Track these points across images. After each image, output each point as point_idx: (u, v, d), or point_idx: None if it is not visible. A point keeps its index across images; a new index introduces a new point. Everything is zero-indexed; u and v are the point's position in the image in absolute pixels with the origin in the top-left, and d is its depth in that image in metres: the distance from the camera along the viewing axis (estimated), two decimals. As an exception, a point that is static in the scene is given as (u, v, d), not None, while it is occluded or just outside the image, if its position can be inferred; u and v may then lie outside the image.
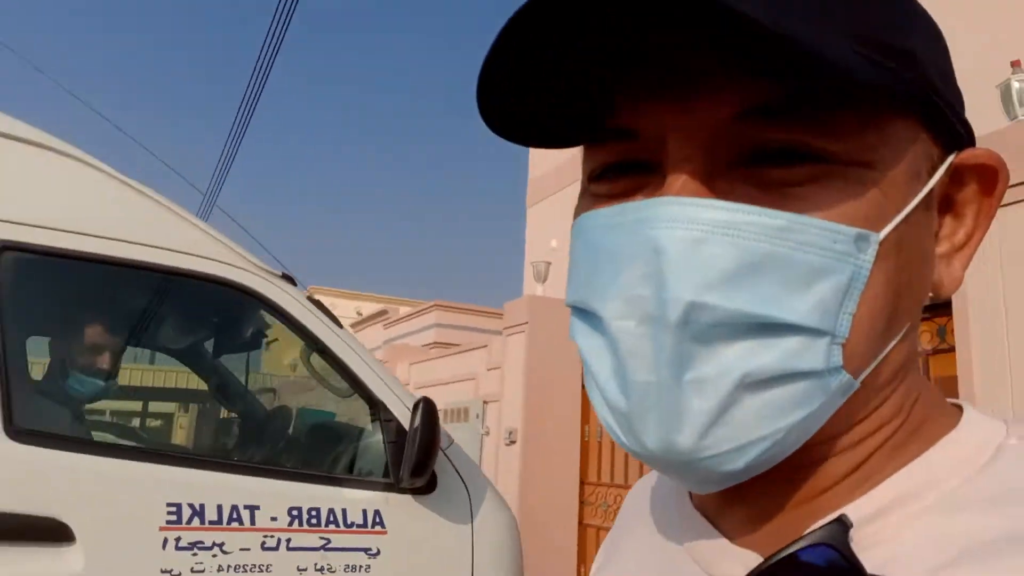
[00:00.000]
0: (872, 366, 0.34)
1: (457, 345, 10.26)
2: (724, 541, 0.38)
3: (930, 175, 0.35)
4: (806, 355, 0.32)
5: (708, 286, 0.32)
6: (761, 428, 0.33)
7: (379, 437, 2.12)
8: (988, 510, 0.32)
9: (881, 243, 0.33)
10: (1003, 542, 0.31)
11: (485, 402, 7.74)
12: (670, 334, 0.32)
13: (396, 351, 10.88)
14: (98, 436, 2.13)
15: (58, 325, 2.14)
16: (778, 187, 0.33)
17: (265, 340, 2.45)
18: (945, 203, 0.38)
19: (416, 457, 1.93)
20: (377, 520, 2.00)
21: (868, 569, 0.32)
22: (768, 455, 0.34)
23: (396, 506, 2.03)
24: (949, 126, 0.36)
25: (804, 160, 0.33)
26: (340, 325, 2.16)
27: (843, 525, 0.33)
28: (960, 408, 0.39)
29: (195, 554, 1.77)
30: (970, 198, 0.38)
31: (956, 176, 0.37)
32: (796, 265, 0.32)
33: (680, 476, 0.36)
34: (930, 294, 0.38)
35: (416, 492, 2.05)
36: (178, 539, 1.76)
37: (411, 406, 2.14)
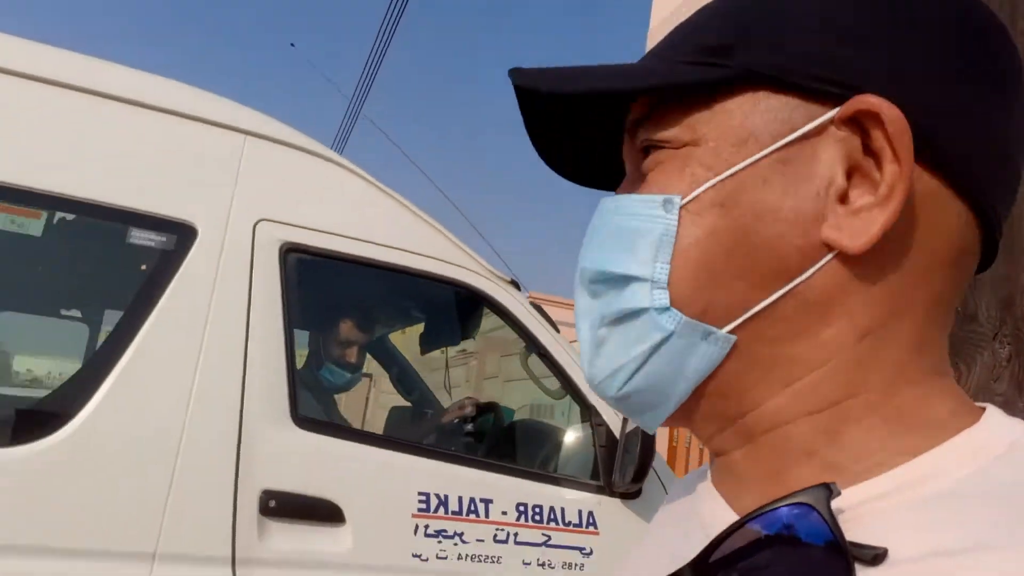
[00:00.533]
0: (741, 318, 0.40)
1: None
2: (724, 507, 0.44)
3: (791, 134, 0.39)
4: (634, 297, 0.41)
5: (587, 254, 0.45)
6: (619, 357, 0.43)
7: (587, 440, 2.26)
8: (991, 501, 0.33)
9: (691, 203, 0.40)
10: (1004, 534, 0.31)
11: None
12: (579, 291, 0.46)
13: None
14: (356, 425, 2.32)
15: (320, 319, 2.32)
16: (642, 175, 0.44)
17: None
18: (867, 156, 0.38)
19: (638, 463, 2.05)
20: (591, 521, 2.14)
21: (849, 538, 0.32)
22: (638, 384, 0.43)
23: (607, 508, 2.17)
24: (808, 85, 0.38)
25: (652, 151, 0.43)
26: (558, 330, 2.28)
27: (828, 490, 0.34)
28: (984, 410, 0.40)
29: (440, 541, 1.95)
30: (881, 149, 0.37)
31: (863, 128, 0.38)
32: (627, 231, 0.42)
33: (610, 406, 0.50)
34: (828, 247, 0.38)
35: (624, 496, 2.19)
36: (427, 526, 1.94)
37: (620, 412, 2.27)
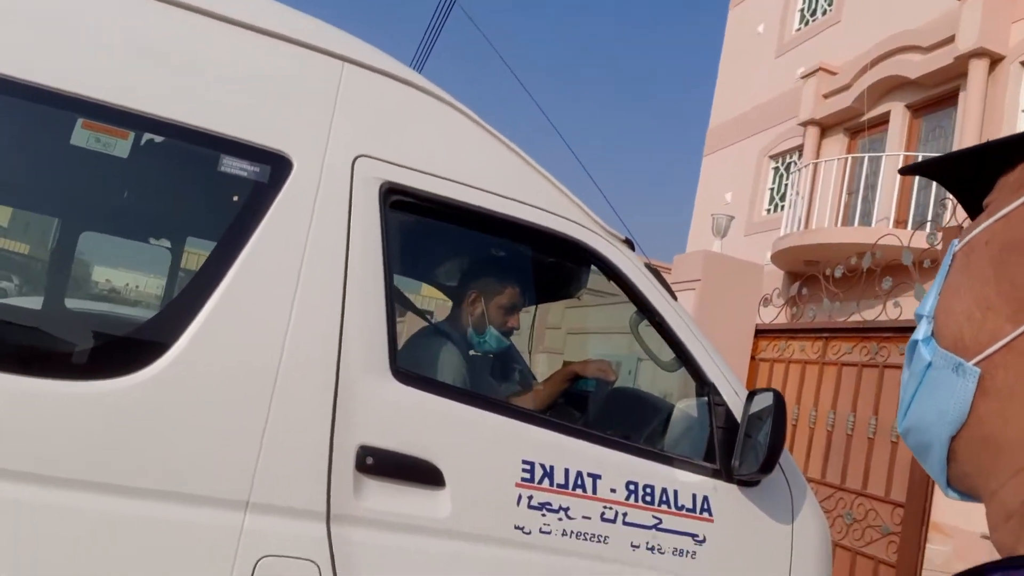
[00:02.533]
0: (990, 350, 0.39)
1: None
2: None
3: None
4: (918, 331, 0.45)
5: None
6: (904, 389, 0.46)
7: (704, 419, 2.05)
8: None
9: (962, 247, 0.45)
10: None
11: (639, 359, 7.62)
12: None
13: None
14: (461, 384, 2.17)
15: (426, 270, 2.18)
16: None
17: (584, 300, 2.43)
18: None
19: (766, 452, 1.84)
20: (705, 507, 1.94)
21: None
22: (911, 420, 0.44)
23: (723, 495, 1.97)
24: None
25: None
26: (675, 297, 2.08)
27: None
28: None
29: (544, 515, 1.78)
30: None
31: None
32: (937, 277, 0.47)
33: None
34: None
35: (742, 483, 1.98)
36: (530, 497, 1.77)
37: (738, 391, 2.06)
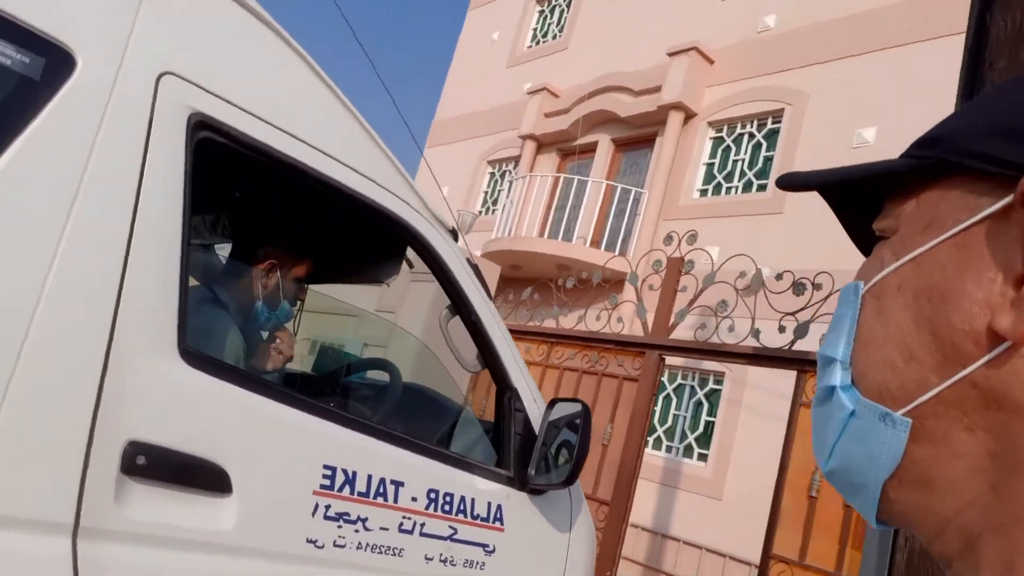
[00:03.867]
0: (917, 401, 0.40)
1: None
2: None
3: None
4: (831, 377, 0.45)
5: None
6: (824, 434, 0.46)
7: (500, 424, 1.98)
8: None
9: (874, 287, 0.44)
10: None
11: (365, 345, 7.48)
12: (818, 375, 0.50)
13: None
14: (257, 371, 1.80)
15: (232, 229, 1.77)
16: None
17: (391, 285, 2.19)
18: None
19: (573, 462, 1.82)
20: (498, 515, 1.87)
21: None
22: (837, 463, 0.45)
23: (515, 503, 1.91)
24: (991, 170, 0.39)
25: (879, 242, 0.46)
26: (491, 296, 1.98)
27: None
28: None
29: (340, 526, 1.56)
30: None
31: None
32: (838, 317, 0.46)
33: None
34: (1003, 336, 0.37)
35: (533, 492, 1.94)
36: (328, 507, 1.54)
37: (536, 398, 2.03)
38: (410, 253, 2.01)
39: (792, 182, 0.50)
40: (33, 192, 1.21)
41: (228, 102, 1.49)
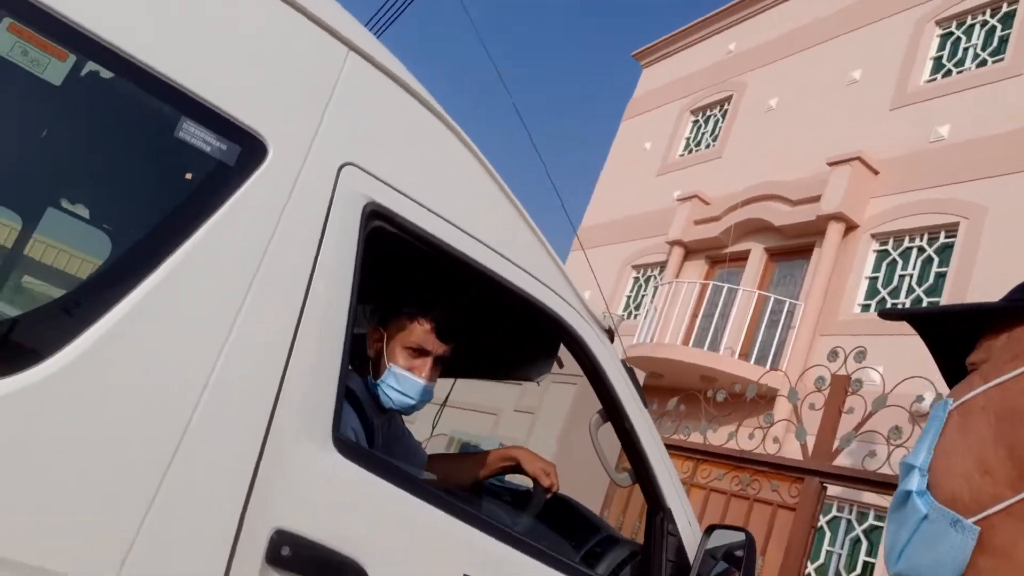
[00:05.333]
0: (987, 511, 0.43)
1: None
2: None
3: None
4: (909, 481, 0.49)
5: None
6: (896, 535, 0.50)
7: (649, 548, 1.81)
8: None
9: (962, 405, 0.49)
10: None
11: (501, 444, 7.34)
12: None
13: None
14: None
15: (385, 310, 1.80)
16: None
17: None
18: None
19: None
20: (645, 653, 1.68)
21: None
22: (905, 565, 0.47)
23: (665, 641, 1.71)
24: None
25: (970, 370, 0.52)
26: (647, 405, 1.85)
27: None
28: None
29: (472, 649, 1.44)
30: None
31: None
32: (925, 430, 0.51)
33: None
34: None
35: (686, 630, 1.74)
36: (461, 624, 1.43)
37: (692, 522, 1.84)
38: (562, 352, 1.93)
39: (890, 314, 0.58)
40: (219, 267, 1.25)
41: (401, 192, 1.51)
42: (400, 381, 1.74)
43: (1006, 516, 0.42)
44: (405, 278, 1.79)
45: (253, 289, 1.26)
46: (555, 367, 2.00)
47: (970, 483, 0.44)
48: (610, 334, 1.83)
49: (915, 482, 0.48)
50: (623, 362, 1.83)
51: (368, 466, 1.37)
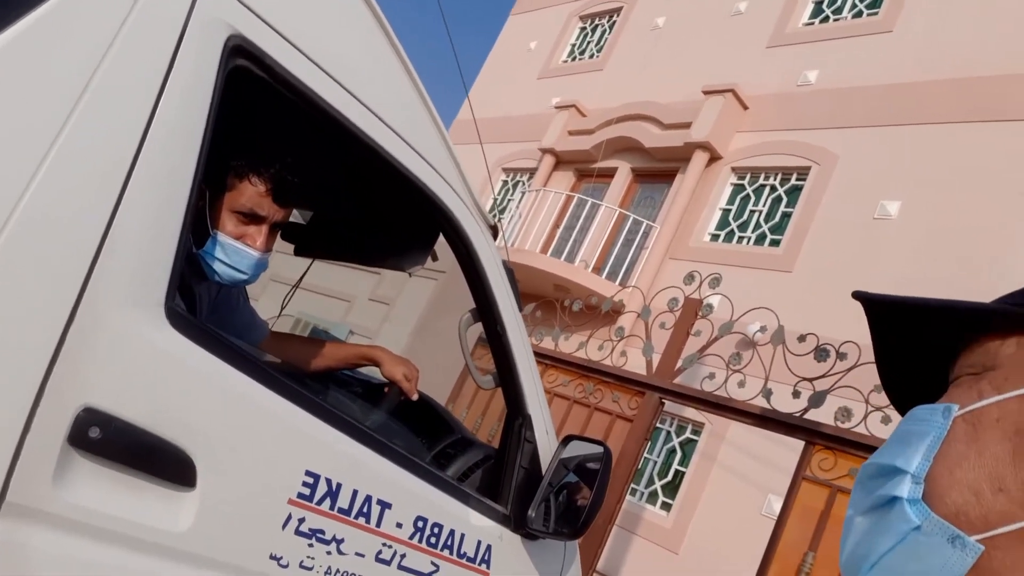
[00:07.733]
0: (997, 531, 0.40)
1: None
2: None
3: None
4: (894, 487, 0.46)
5: (877, 453, 0.52)
6: (870, 543, 0.46)
7: (505, 453, 1.75)
8: None
9: (969, 414, 0.45)
10: None
11: (351, 332, 7.17)
12: (857, 486, 0.53)
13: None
14: (248, 348, 1.56)
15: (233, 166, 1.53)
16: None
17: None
18: None
19: (585, 513, 1.60)
20: (485, 557, 1.64)
21: None
22: (879, 574, 0.45)
23: (505, 546, 1.68)
24: None
25: (959, 379, 0.49)
26: (522, 307, 1.76)
27: None
28: None
29: (311, 545, 1.33)
30: None
31: None
32: (909, 433, 0.48)
33: None
34: None
35: (528, 536, 1.72)
36: (301, 520, 1.31)
37: (549, 431, 1.81)
38: (439, 243, 1.79)
39: (868, 297, 0.51)
40: (37, 77, 0.98)
41: (274, 29, 1.26)
42: (228, 252, 1.45)
43: (1012, 538, 0.39)
44: (258, 132, 1.54)
45: (77, 113, 1.01)
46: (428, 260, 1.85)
47: (980, 500, 0.41)
48: (494, 231, 1.70)
49: (906, 489, 0.45)
50: (504, 263, 1.71)
51: (205, 343, 1.18)
